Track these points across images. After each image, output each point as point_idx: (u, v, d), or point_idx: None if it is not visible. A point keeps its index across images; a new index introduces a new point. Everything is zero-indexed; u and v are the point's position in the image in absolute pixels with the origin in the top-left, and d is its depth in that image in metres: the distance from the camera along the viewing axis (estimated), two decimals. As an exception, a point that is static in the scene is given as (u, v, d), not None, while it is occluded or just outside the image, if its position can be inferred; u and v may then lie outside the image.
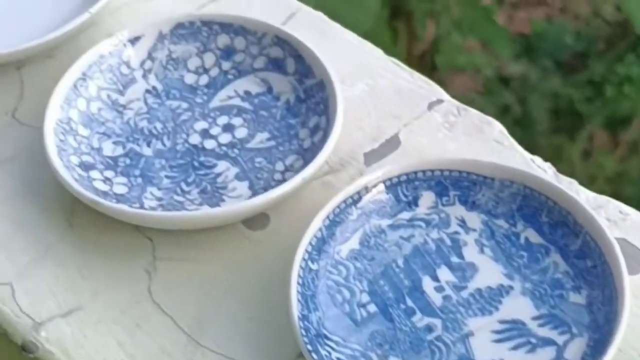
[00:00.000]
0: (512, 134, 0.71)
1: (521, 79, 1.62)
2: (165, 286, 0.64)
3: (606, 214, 0.66)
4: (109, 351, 0.61)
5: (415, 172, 0.66)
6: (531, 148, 0.71)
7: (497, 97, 1.59)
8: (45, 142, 0.67)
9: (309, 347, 0.57)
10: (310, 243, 0.62)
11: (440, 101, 0.74)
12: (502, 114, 1.55)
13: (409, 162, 0.66)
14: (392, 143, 0.71)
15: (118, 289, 0.64)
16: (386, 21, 1.52)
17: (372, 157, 0.71)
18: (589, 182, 1.00)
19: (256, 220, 0.67)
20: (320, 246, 0.62)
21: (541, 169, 0.69)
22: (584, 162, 1.57)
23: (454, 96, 0.74)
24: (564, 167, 0.76)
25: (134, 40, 0.74)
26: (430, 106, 0.74)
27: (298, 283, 0.60)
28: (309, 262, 0.61)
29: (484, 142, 0.71)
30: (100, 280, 0.64)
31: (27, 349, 0.61)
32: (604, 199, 0.67)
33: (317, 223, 0.62)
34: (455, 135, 0.72)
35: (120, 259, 0.65)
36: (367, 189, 0.65)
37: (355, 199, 0.64)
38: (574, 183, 0.68)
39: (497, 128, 0.72)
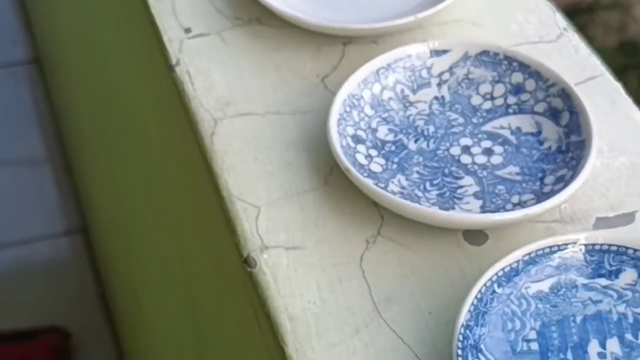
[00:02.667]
0: None
1: None
2: (376, 259, 0.73)
3: None
4: (308, 291, 0.71)
5: (627, 248, 0.70)
6: None
7: None
8: (331, 108, 0.78)
9: (459, 352, 0.64)
10: (503, 269, 0.68)
11: (690, 198, 0.77)
12: None
13: (628, 236, 0.70)
14: (627, 218, 0.76)
15: (338, 246, 0.74)
16: None
17: (602, 223, 0.75)
18: None
19: (475, 236, 0.75)
20: (511, 276, 0.69)
21: None
22: None
23: None
24: None
25: (441, 52, 0.84)
26: (678, 200, 0.77)
27: (476, 297, 0.67)
28: (495, 285, 0.68)
29: None
30: (327, 234, 0.75)
31: (249, 263, 0.73)
32: None
33: (517, 255, 0.69)
34: (689, 233, 0.75)
35: (351, 223, 0.75)
36: (576, 244, 0.70)
37: (562, 248, 0.70)
38: None
39: None
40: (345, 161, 0.75)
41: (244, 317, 0.80)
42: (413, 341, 0.68)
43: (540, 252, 0.70)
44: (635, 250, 0.70)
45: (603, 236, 0.70)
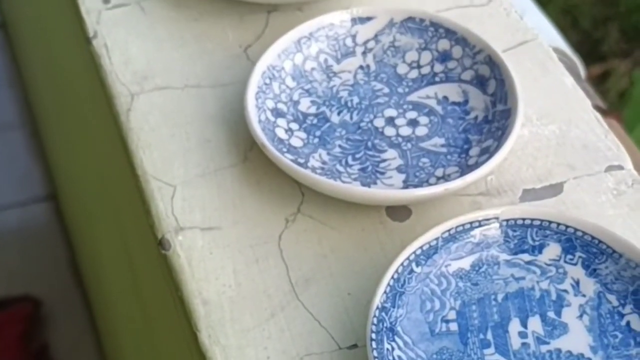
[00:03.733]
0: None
1: None
2: (295, 238, 0.71)
3: None
4: (223, 273, 0.69)
5: (551, 222, 0.68)
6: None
7: None
8: (249, 81, 0.75)
9: (373, 335, 0.62)
10: (421, 247, 0.66)
11: (620, 167, 0.75)
12: None
13: (551, 210, 0.68)
14: (555, 189, 0.74)
15: (256, 226, 0.71)
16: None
17: (529, 195, 0.73)
18: None
19: (399, 212, 0.72)
20: (430, 254, 0.66)
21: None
22: None
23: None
24: None
25: (365, 19, 0.81)
26: (608, 169, 0.75)
27: (392, 277, 0.64)
28: (413, 264, 0.66)
29: (641, 220, 0.71)
30: (245, 213, 0.72)
31: (163, 246, 0.70)
32: None
33: (435, 232, 0.66)
34: (618, 203, 0.72)
35: (270, 201, 0.73)
36: (498, 219, 0.68)
37: (483, 224, 0.68)
38: None
39: (662, 212, 0.72)
40: (261, 137, 0.72)
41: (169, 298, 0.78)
42: (331, 324, 0.66)
43: (460, 228, 0.67)
44: (559, 224, 0.68)
45: (526, 210, 0.68)
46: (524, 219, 0.68)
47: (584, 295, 0.66)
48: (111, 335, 1.53)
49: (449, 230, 0.67)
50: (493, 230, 0.68)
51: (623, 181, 0.74)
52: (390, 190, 0.71)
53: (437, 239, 0.67)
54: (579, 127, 0.77)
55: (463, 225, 0.67)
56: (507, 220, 0.68)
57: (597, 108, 1.03)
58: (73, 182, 1.72)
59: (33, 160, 2.04)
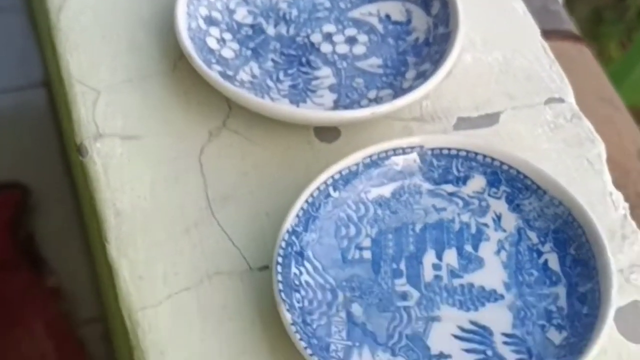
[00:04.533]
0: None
1: None
2: (217, 153, 0.69)
3: (646, 276, 0.64)
4: (140, 185, 0.67)
5: (477, 153, 0.65)
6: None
7: None
8: (183, -14, 0.72)
9: (280, 259, 0.60)
10: (340, 172, 0.64)
11: (561, 100, 0.72)
12: None
13: (477, 141, 0.66)
14: (491, 119, 0.71)
15: (179, 138, 0.69)
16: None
17: (464, 123, 0.71)
18: None
19: (327, 132, 0.70)
20: (349, 179, 0.64)
21: (613, 204, 0.67)
22: None
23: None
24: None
25: None
26: (548, 101, 0.72)
27: (307, 201, 0.63)
28: (330, 188, 0.64)
29: (575, 157, 0.69)
30: (169, 123, 0.70)
31: (81, 152, 0.68)
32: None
33: (357, 157, 0.64)
34: (553, 137, 0.70)
35: (196, 112, 0.70)
36: (424, 147, 0.66)
37: (407, 152, 0.65)
38: (637, 233, 0.65)
39: (598, 149, 0.70)
40: (188, 47, 0.69)
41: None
42: (244, 243, 0.65)
43: (384, 154, 0.65)
44: (485, 156, 0.65)
45: (452, 140, 0.66)
46: (449, 149, 0.66)
47: (504, 231, 0.64)
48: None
49: (370, 156, 0.65)
50: (418, 159, 0.66)
51: (562, 115, 0.72)
52: (317, 110, 0.69)
53: (357, 164, 0.64)
54: (525, 56, 0.75)
55: (386, 151, 0.65)
56: (433, 149, 0.66)
57: (568, 34, 1.00)
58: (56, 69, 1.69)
59: (30, 45, 1.99)
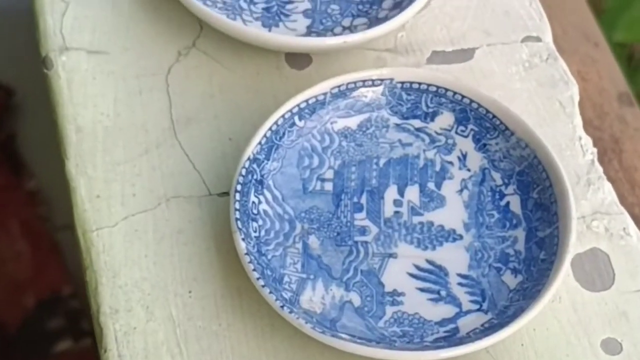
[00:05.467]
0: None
1: None
2: (184, 74, 0.67)
3: (608, 224, 0.63)
4: (103, 101, 0.66)
5: (447, 90, 0.64)
6: None
7: None
8: None
9: (239, 187, 0.59)
10: (307, 101, 0.63)
11: (537, 39, 0.71)
12: None
13: (448, 77, 0.65)
14: (465, 55, 0.70)
15: (146, 55, 0.68)
16: None
17: (438, 58, 0.70)
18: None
19: (298, 59, 0.69)
20: (316, 108, 0.63)
21: (582, 149, 0.66)
22: None
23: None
24: None
25: None
26: (525, 40, 0.71)
27: (270, 129, 0.62)
28: (295, 117, 0.63)
29: (547, 98, 0.68)
30: (137, 40, 0.68)
31: (45, 64, 0.67)
32: (619, 209, 0.64)
33: (324, 86, 0.63)
34: (527, 77, 0.69)
35: (166, 30, 0.69)
36: (392, 81, 0.64)
37: (376, 84, 0.64)
38: (602, 180, 0.65)
39: (571, 91, 0.69)
40: (161, -38, 0.67)
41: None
42: (205, 168, 0.64)
43: (352, 85, 0.64)
44: (455, 93, 0.64)
45: (423, 75, 0.65)
46: (420, 83, 0.65)
47: (468, 170, 0.64)
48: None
49: (339, 86, 0.64)
50: (387, 91, 0.64)
51: (538, 54, 0.70)
52: (287, 36, 0.67)
53: (325, 93, 0.63)
54: (505, -9, 0.73)
55: (355, 82, 0.64)
56: (403, 83, 0.65)
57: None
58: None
59: None
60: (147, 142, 0.64)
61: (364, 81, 0.64)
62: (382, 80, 0.64)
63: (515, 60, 0.70)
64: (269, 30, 0.68)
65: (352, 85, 0.64)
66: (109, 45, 0.68)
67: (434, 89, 0.64)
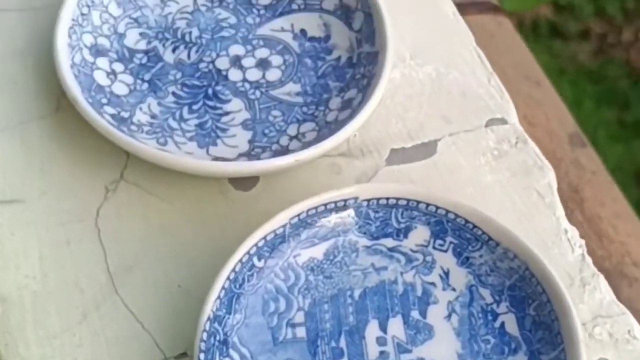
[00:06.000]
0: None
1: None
2: (116, 213, 0.59)
3: (611, 328, 0.57)
4: (26, 261, 0.57)
5: (419, 202, 0.57)
6: None
7: None
8: (60, 11, 0.61)
9: (202, 356, 0.51)
10: (264, 238, 0.55)
11: (503, 121, 0.64)
12: None
13: (418, 189, 0.57)
14: (427, 149, 0.63)
15: (68, 197, 0.59)
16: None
17: (397, 156, 0.62)
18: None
19: (244, 180, 0.61)
20: (275, 244, 0.55)
21: (570, 244, 0.59)
22: None
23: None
24: None
25: None
26: (490, 123, 0.64)
27: (228, 278, 0.53)
28: (254, 258, 0.54)
29: (523, 188, 0.61)
30: (56, 179, 0.59)
31: (-48, 224, 0.57)
32: (619, 309, 0.58)
33: (281, 219, 0.55)
34: (498, 167, 0.62)
35: (88, 163, 0.60)
36: (357, 199, 0.57)
37: (339, 206, 0.56)
38: (597, 277, 0.58)
39: (548, 178, 0.62)
40: (72, 89, 0.58)
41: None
42: (156, 327, 0.55)
43: (313, 211, 0.56)
44: (428, 204, 0.57)
45: (390, 189, 0.57)
46: (387, 198, 0.57)
47: (453, 290, 0.56)
48: None
49: (298, 215, 0.56)
50: (352, 212, 0.57)
51: (506, 139, 0.63)
52: (229, 163, 0.59)
53: (284, 225, 0.55)
54: (458, 68, 0.66)
55: (316, 207, 0.56)
56: (369, 200, 0.57)
57: (485, 5, 0.92)
58: None
59: None
60: (83, 304, 0.55)
61: (325, 205, 0.56)
62: (345, 200, 0.56)
63: (482, 148, 0.63)
64: (207, 152, 0.59)
65: (313, 212, 0.56)
66: (24, 190, 0.59)
67: (404, 202, 0.57)
